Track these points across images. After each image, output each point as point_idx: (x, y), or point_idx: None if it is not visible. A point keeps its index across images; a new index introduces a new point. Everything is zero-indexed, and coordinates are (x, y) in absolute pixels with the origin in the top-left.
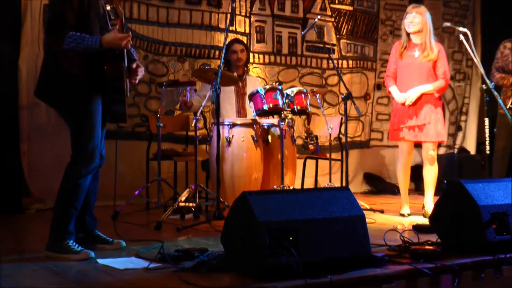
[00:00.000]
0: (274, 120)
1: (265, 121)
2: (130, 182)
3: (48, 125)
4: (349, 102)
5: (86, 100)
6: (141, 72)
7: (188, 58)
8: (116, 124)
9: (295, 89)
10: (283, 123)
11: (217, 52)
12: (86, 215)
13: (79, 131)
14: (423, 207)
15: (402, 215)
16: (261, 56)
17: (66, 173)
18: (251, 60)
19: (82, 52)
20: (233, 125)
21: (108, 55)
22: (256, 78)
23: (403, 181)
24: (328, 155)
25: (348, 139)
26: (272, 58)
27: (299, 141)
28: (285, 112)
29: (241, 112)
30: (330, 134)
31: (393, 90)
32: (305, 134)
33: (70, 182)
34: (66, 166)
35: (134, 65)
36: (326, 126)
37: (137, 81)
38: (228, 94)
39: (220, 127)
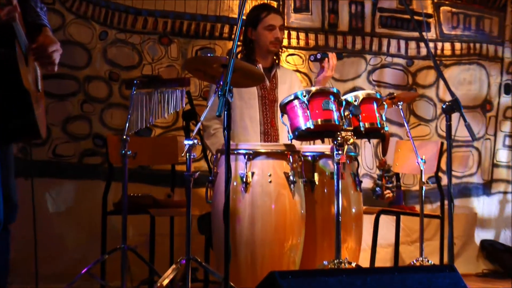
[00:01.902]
0: (324, 147)
1: (309, 149)
2: (73, 252)
3: None
4: (454, 116)
5: None
6: (56, 50)
7: (176, 38)
8: (26, 144)
9: (360, 94)
10: (340, 152)
11: (226, 28)
12: None
13: None
14: None
15: None
16: (302, 35)
17: None
18: (284, 42)
19: None
20: (254, 154)
21: None
22: (293, 73)
23: None
24: (417, 208)
25: (455, 181)
26: (321, 38)
27: (368, 183)
28: (343, 134)
29: (268, 132)
30: (421, 172)
31: None
32: (379, 172)
33: None
34: None
35: (40, 40)
36: (415, 157)
37: (55, 66)
38: (246, 101)
39: (232, 158)
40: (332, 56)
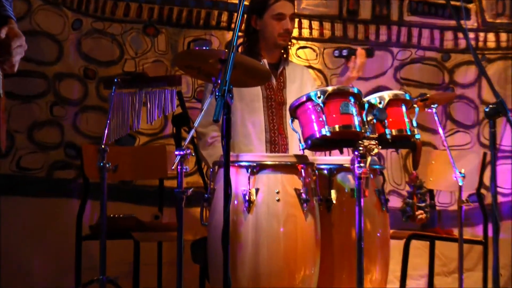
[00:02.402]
0: (342, 158)
1: (325, 161)
2: (42, 284)
3: None
4: (499, 121)
5: None
6: (20, 45)
7: (165, 27)
8: None
9: (386, 94)
10: (362, 164)
11: (225, 16)
12: None
13: None
14: None
15: None
16: (315, 23)
17: None
18: (294, 32)
19: None
20: (258, 167)
21: None
22: (305, 69)
23: None
24: (456, 232)
25: (501, 199)
26: (339, 28)
27: (395, 202)
28: (366, 142)
29: (275, 140)
30: (460, 188)
31: None
32: (409, 188)
33: None
34: None
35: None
36: (452, 170)
37: (15, 66)
38: (249, 104)
39: (233, 171)
40: (361, 53)
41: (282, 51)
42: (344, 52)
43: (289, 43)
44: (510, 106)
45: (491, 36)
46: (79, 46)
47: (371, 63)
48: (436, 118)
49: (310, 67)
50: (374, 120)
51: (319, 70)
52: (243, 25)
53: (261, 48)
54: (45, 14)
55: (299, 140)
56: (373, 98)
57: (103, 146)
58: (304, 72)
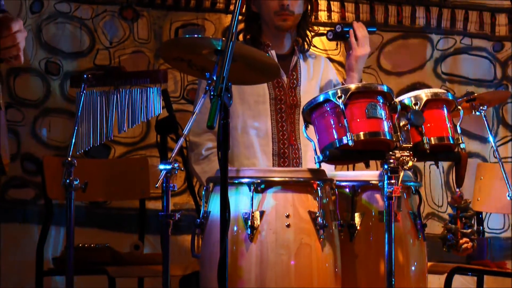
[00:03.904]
0: (369, 173)
1: (347, 177)
2: None
3: None
4: None
5: None
6: (20, 30)
7: (146, 9)
8: None
9: (424, 94)
10: (393, 181)
11: None
12: None
13: None
14: None
15: None
16: (335, 4)
17: None
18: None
19: None
20: (263, 185)
21: None
22: (325, 61)
23: None
24: (509, 265)
25: None
26: (365, 10)
27: (435, 228)
28: (398, 154)
29: (285, 152)
30: None
31: None
32: (451, 210)
33: None
34: None
35: None
36: (506, 188)
37: (21, 55)
38: (252, 106)
39: (232, 190)
40: (358, 26)
41: (297, 38)
42: (338, 28)
43: (309, 28)
44: None
45: None
46: (39, 33)
47: (405, 53)
48: (485, 122)
49: (329, 59)
50: (409, 126)
51: (339, 63)
52: (244, 7)
53: (265, 36)
54: None
55: (315, 151)
56: (407, 98)
57: (69, 159)
58: (325, 65)
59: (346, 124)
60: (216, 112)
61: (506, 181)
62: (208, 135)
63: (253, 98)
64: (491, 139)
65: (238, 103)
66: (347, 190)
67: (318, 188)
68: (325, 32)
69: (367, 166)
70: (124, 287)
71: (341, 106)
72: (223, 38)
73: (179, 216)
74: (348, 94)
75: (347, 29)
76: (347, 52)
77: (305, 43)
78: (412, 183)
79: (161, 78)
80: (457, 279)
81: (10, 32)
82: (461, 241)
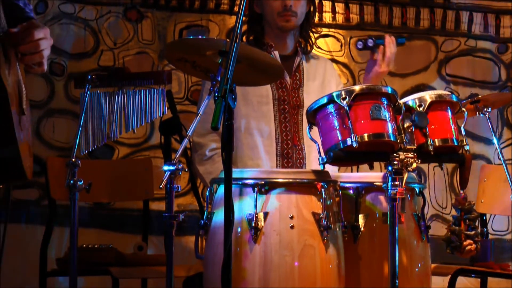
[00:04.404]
0: (373, 175)
1: (351, 178)
2: None
3: None
4: None
5: None
6: (44, 38)
7: (151, 11)
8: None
9: (428, 95)
10: (397, 182)
11: None
12: None
13: None
14: None
15: None
16: (339, 6)
17: None
18: (315, 17)
19: None
20: (267, 186)
21: None
22: (328, 63)
23: None
24: None
25: None
26: (369, 11)
27: (439, 229)
28: (402, 155)
29: (288, 153)
30: None
31: None
32: (455, 212)
33: None
34: None
35: (24, 25)
36: (510, 190)
37: (44, 63)
38: (256, 107)
39: (235, 191)
40: (390, 41)
41: (300, 39)
42: (370, 43)
43: (313, 30)
44: None
45: None
46: None
47: (409, 55)
48: (489, 124)
49: (333, 60)
50: (413, 128)
51: (344, 65)
52: (248, 9)
53: (268, 37)
54: None
55: (319, 152)
56: (412, 100)
57: (73, 160)
58: (327, 67)
59: (350, 126)
60: (220, 113)
61: (510, 183)
62: (212, 136)
63: (256, 99)
64: (495, 141)
65: (241, 104)
66: (351, 191)
67: (322, 190)
68: (332, 34)
69: (371, 167)
70: None
71: (346, 107)
72: (227, 40)
73: (183, 217)
74: (353, 96)
75: (379, 43)
76: (368, 64)
77: (308, 44)
78: (416, 185)
79: (165, 79)
80: (461, 281)
81: (32, 39)
82: (464, 243)
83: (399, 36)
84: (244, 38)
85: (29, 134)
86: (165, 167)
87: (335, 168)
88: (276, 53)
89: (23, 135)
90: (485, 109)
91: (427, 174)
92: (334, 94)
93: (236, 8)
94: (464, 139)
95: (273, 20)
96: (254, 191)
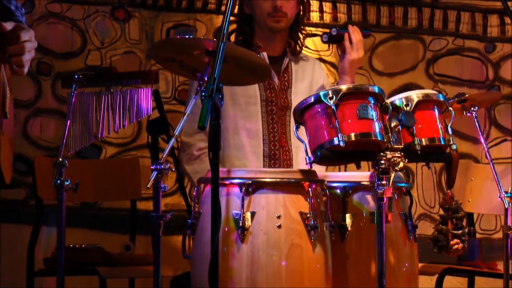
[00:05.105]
0: (360, 174)
1: (338, 178)
2: None
3: None
4: None
5: None
6: (29, 40)
7: (138, 10)
8: None
9: (415, 95)
10: (384, 182)
11: None
12: None
13: None
14: None
15: None
16: (327, 5)
17: None
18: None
19: None
20: (254, 186)
21: None
22: (316, 63)
23: None
24: (500, 266)
25: None
26: (357, 11)
27: (426, 229)
28: (389, 155)
29: (275, 154)
30: (506, 211)
31: None
32: (442, 211)
33: None
34: None
35: (8, 27)
36: (497, 189)
37: (25, 67)
38: (243, 107)
39: (223, 190)
40: (353, 30)
41: (290, 40)
42: (333, 31)
43: (302, 31)
44: None
45: None
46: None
47: (397, 54)
48: (477, 123)
49: (320, 60)
50: (400, 127)
51: (332, 64)
52: (236, 8)
53: (257, 37)
54: None
55: (306, 151)
56: (399, 99)
57: (60, 160)
58: (315, 67)
59: (337, 125)
60: (207, 113)
61: (497, 182)
62: (199, 135)
63: (244, 100)
64: (482, 140)
65: (229, 104)
66: (338, 191)
67: (309, 189)
68: (320, 33)
69: (358, 167)
70: None
71: (332, 107)
72: (214, 39)
73: (170, 216)
74: (339, 95)
75: (342, 31)
76: (340, 55)
77: (297, 46)
78: (403, 184)
79: (153, 79)
80: (448, 280)
81: (19, 40)
82: (451, 242)
83: (363, 28)
84: (232, 38)
85: (11, 137)
86: (153, 167)
87: (323, 167)
88: (265, 54)
89: (3, 140)
90: (472, 108)
91: (415, 173)
92: (321, 94)
93: (223, 8)
94: (451, 138)
95: (263, 21)
96: (241, 191)
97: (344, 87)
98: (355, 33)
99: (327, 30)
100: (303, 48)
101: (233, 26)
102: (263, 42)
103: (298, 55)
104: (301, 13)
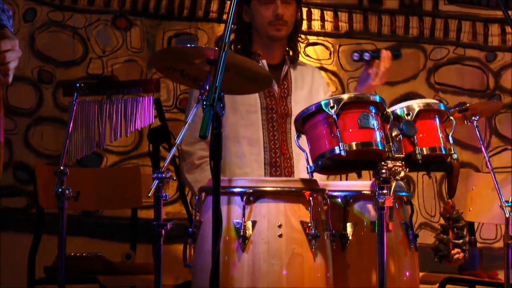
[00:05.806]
0: (361, 183)
1: (339, 187)
2: None
3: None
4: None
5: None
6: (12, 49)
7: (139, 19)
8: None
9: (416, 104)
10: (385, 191)
11: (214, 5)
12: None
13: None
14: None
15: None
16: (328, 14)
17: None
18: (304, 26)
19: None
20: (255, 195)
21: None
22: (316, 71)
23: None
24: (501, 275)
25: None
26: (358, 19)
27: (427, 238)
28: (390, 164)
29: (276, 162)
30: (508, 221)
31: None
32: (443, 221)
33: None
34: None
35: None
36: (498, 198)
37: (10, 75)
38: (244, 116)
39: (223, 199)
40: (386, 56)
41: (288, 48)
42: (366, 56)
43: (300, 39)
44: None
45: None
46: (32, 42)
47: (398, 63)
48: (477, 133)
49: (322, 68)
50: (401, 136)
51: (333, 73)
52: (234, 16)
53: (256, 46)
54: None
55: (307, 160)
56: (400, 109)
57: (61, 168)
58: (315, 75)
59: (338, 134)
60: (209, 122)
61: (498, 191)
62: (200, 144)
63: (244, 108)
64: (483, 150)
65: (230, 113)
66: (339, 200)
67: (310, 198)
68: (327, 42)
69: (359, 176)
70: None
71: (334, 116)
72: (216, 48)
73: (171, 225)
74: (341, 104)
75: (376, 56)
76: (361, 75)
77: (295, 53)
78: (404, 193)
79: (154, 87)
80: None
81: (6, 66)
82: (452, 251)
83: (394, 49)
84: (232, 47)
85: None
86: (154, 175)
87: (324, 176)
88: (264, 62)
89: None
90: (473, 118)
91: (416, 182)
92: (322, 103)
93: (224, 16)
94: (452, 147)
95: (263, 29)
96: (242, 200)
97: (345, 96)
98: (386, 61)
99: (358, 48)
100: (305, 57)
101: (232, 36)
102: (262, 50)
103: (296, 62)
104: (299, 20)
